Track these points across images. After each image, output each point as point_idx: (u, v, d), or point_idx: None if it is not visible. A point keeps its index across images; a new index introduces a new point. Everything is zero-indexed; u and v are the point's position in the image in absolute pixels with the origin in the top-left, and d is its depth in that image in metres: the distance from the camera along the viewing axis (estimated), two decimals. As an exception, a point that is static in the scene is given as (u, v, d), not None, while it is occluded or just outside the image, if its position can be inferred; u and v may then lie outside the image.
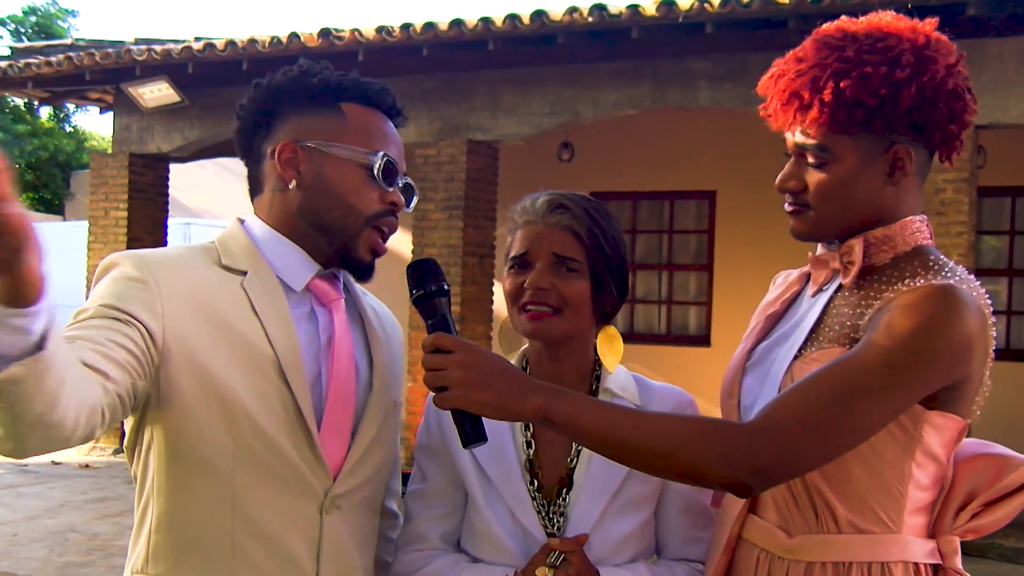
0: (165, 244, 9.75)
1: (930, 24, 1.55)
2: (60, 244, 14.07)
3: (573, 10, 6.94)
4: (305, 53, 7.84)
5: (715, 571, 1.61)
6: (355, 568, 1.64)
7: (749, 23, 6.66)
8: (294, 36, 7.81)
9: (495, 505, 1.67)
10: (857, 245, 1.53)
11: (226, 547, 1.51)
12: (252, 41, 7.98)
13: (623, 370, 1.76)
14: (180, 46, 8.35)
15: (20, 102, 21.61)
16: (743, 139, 9.45)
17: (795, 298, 1.68)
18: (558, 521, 1.65)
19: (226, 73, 8.46)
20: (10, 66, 8.98)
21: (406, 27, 7.46)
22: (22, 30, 24.19)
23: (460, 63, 7.93)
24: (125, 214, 9.33)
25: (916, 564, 1.50)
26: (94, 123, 36.90)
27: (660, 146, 9.64)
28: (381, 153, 1.58)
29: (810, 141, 1.52)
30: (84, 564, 5.82)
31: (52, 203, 23.27)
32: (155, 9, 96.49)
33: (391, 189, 1.60)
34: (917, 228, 1.55)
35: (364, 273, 1.64)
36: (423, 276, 1.51)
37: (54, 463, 8.98)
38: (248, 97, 1.67)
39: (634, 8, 6.76)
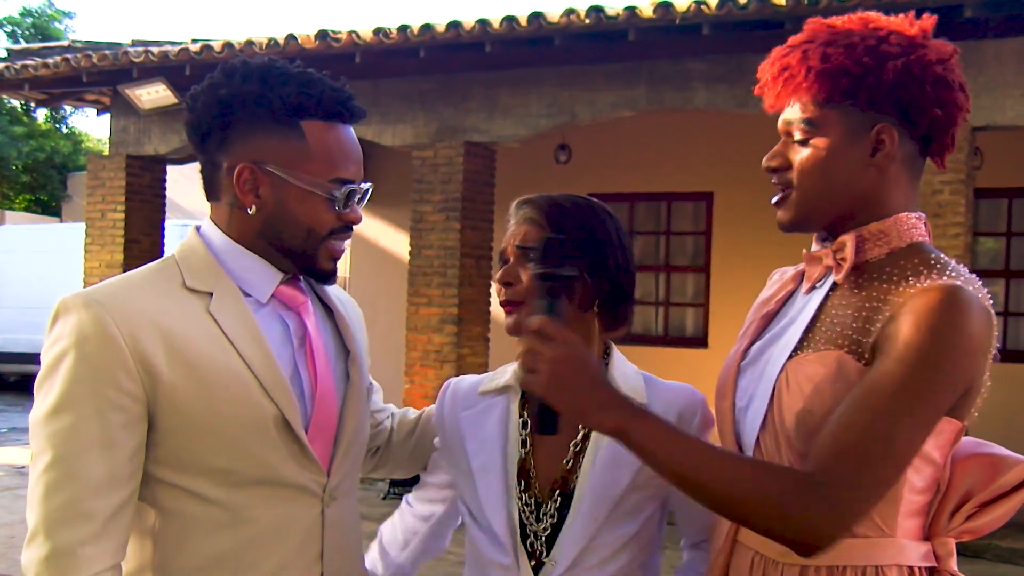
0: (163, 246, 9.75)
1: (928, 21, 1.55)
2: (57, 246, 14.10)
3: (570, 12, 6.94)
4: (302, 55, 7.83)
5: (716, 574, 1.60)
6: (354, 551, 1.70)
7: (746, 25, 6.67)
8: (291, 38, 7.81)
9: (471, 497, 1.70)
10: (849, 241, 1.52)
11: (231, 561, 1.52)
12: (249, 43, 7.98)
13: (633, 368, 1.76)
14: (177, 48, 8.35)
15: (17, 104, 21.60)
16: (740, 140, 9.46)
17: (789, 296, 1.67)
18: (547, 522, 1.65)
19: (223, 75, 8.45)
20: (7, 68, 8.97)
21: (403, 29, 7.46)
22: (19, 32, 24.18)
23: (457, 65, 7.93)
24: (122, 216, 9.33)
25: (911, 567, 1.49)
26: (91, 125, 37.04)
27: (657, 148, 9.64)
28: (344, 188, 1.56)
29: (797, 115, 1.52)
30: (81, 566, 5.80)
31: (49, 205, 23.26)
32: (152, 11, 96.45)
33: (348, 210, 1.58)
34: (913, 224, 1.53)
35: (327, 278, 1.65)
36: (556, 256, 1.47)
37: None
38: (201, 97, 1.59)
39: (631, 10, 6.76)
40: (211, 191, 1.61)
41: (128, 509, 1.47)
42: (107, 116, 9.72)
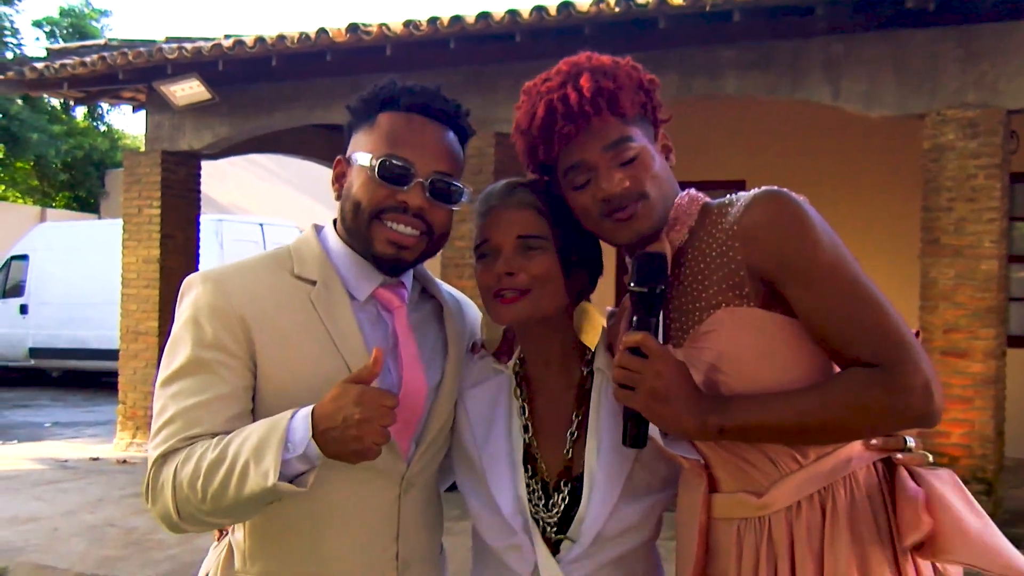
0: (198, 240, 9.84)
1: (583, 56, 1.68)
2: (96, 242, 14.30)
3: (600, 1, 6.93)
4: (333, 49, 7.88)
5: (696, 563, 1.60)
6: (429, 546, 1.76)
7: (776, 11, 6.62)
8: (322, 32, 7.86)
9: (476, 482, 1.72)
10: (661, 238, 1.60)
11: (314, 535, 1.62)
12: (281, 37, 8.03)
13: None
14: (210, 44, 8.42)
15: (56, 103, 21.89)
16: (770, 127, 9.39)
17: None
18: (556, 508, 1.66)
19: (256, 70, 8.52)
20: (46, 67, 9.10)
21: (433, 21, 7.48)
22: (57, 31, 24.48)
23: (487, 56, 7.94)
24: (158, 211, 9.42)
25: (874, 464, 1.55)
26: (127, 122, 37.43)
27: (687, 135, 9.57)
28: (376, 156, 1.63)
29: (615, 137, 1.59)
30: (121, 557, 5.92)
31: (88, 201, 23.57)
32: (186, 7, 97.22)
33: (404, 188, 1.63)
34: (691, 196, 1.64)
35: (387, 265, 1.68)
36: (654, 274, 1.53)
37: (92, 459, 9.12)
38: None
39: (660, -2, 6.73)
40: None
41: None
42: (143, 113, 9.82)
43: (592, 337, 1.72)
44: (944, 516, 1.46)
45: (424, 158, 1.65)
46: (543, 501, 1.67)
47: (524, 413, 1.72)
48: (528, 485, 1.68)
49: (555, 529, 1.66)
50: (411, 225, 1.64)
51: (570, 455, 1.68)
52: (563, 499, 1.66)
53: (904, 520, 1.47)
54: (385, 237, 1.64)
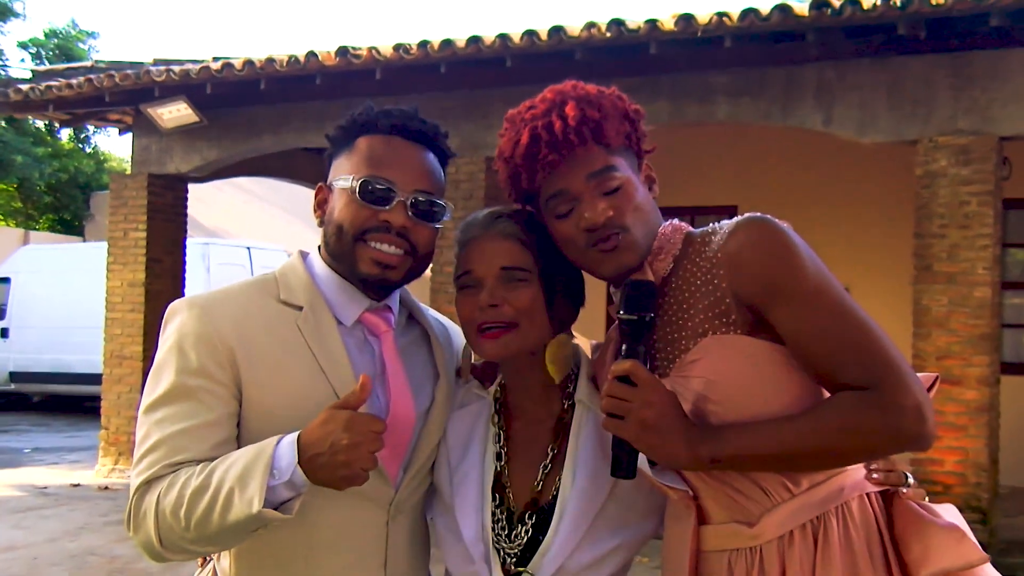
0: (184, 264, 9.77)
1: (568, 84, 1.68)
2: (80, 265, 14.19)
3: (591, 25, 6.92)
4: (323, 72, 7.85)
5: None
6: (419, 563, 1.76)
7: (768, 36, 6.63)
8: (311, 55, 7.83)
9: (444, 506, 1.71)
10: (645, 268, 1.60)
11: (301, 560, 1.62)
12: (270, 60, 8.00)
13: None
14: (198, 66, 8.38)
15: (41, 125, 21.81)
16: (763, 153, 9.41)
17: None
18: (519, 539, 1.64)
19: (244, 93, 8.48)
20: (32, 89, 9.04)
21: (423, 44, 7.46)
22: (43, 53, 24.44)
23: (478, 80, 7.92)
24: (144, 234, 9.36)
25: (868, 495, 1.53)
26: (114, 144, 37.33)
27: (679, 161, 9.59)
28: (357, 177, 1.64)
29: (598, 167, 1.58)
30: (104, 586, 5.80)
31: (72, 224, 23.45)
32: (174, 30, 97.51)
33: (386, 208, 1.63)
34: (674, 226, 1.65)
35: (372, 285, 1.68)
36: (643, 302, 1.52)
37: (74, 486, 8.99)
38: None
39: (652, 23, 6.73)
40: None
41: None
42: (129, 135, 9.77)
43: (557, 369, 1.69)
44: None
45: (404, 178, 1.66)
46: (506, 531, 1.65)
47: (499, 441, 1.71)
48: (493, 514, 1.66)
49: (515, 561, 1.63)
50: (395, 244, 1.65)
51: (539, 487, 1.66)
52: (526, 531, 1.64)
53: (933, 550, 1.47)
54: (369, 257, 1.64)
